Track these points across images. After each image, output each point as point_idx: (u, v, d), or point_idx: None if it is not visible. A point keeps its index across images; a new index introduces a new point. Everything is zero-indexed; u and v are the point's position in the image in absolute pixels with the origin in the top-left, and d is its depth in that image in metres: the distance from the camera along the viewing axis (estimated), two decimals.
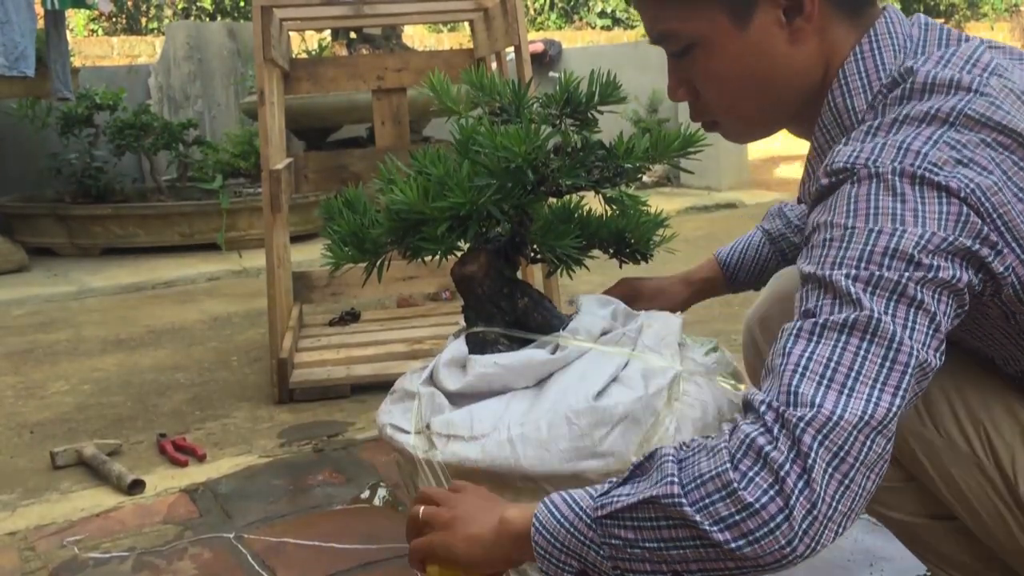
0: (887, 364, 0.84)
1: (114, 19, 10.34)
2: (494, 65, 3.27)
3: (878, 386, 0.84)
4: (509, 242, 1.39)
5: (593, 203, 1.44)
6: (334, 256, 1.37)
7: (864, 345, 0.85)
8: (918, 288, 0.87)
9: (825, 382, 0.84)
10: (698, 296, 1.59)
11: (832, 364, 0.84)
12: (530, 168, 1.25)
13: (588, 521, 0.90)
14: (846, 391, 0.83)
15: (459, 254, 1.37)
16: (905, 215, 0.89)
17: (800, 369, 0.85)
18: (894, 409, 0.84)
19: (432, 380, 1.37)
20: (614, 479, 0.93)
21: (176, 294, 4.40)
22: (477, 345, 1.35)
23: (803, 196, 1.12)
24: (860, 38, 1.04)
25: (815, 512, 0.80)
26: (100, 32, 10.23)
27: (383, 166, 1.38)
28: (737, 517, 0.81)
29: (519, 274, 1.45)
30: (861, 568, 1.54)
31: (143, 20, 10.45)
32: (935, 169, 0.90)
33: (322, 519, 1.84)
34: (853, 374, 0.84)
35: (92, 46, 8.80)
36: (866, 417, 0.82)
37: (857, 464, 0.82)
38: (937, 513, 1.18)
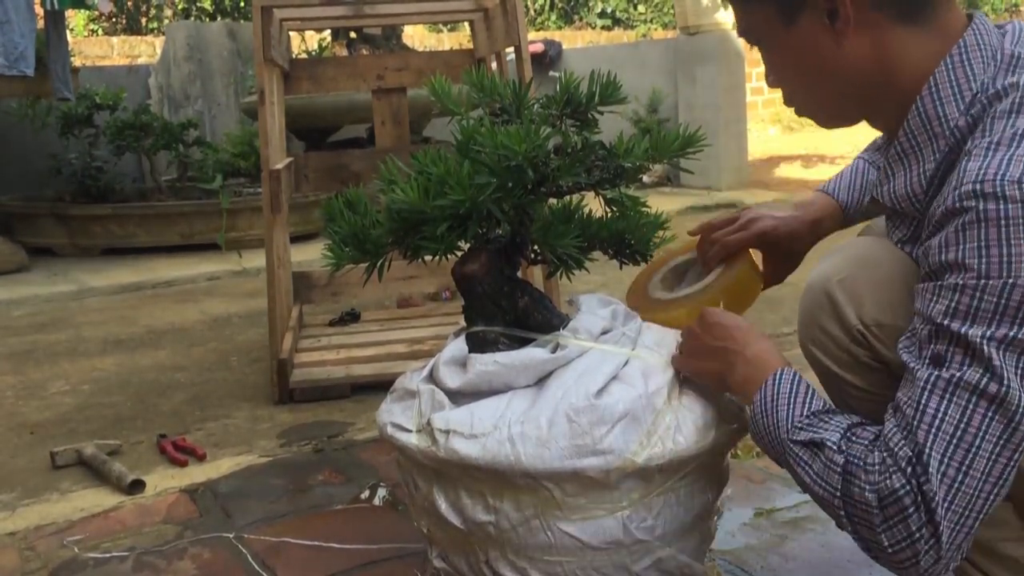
0: (1007, 433, 0.94)
1: (114, 19, 10.34)
2: (494, 65, 3.27)
3: (998, 450, 0.95)
4: (510, 242, 1.39)
5: (593, 204, 1.45)
6: (335, 256, 1.37)
7: (991, 411, 0.94)
8: None
9: (954, 444, 0.95)
10: (817, 240, 1.53)
11: (961, 427, 0.95)
12: (530, 167, 1.26)
13: (786, 429, 1.08)
14: (971, 454, 0.95)
15: (459, 254, 1.37)
16: None
17: (933, 431, 0.96)
18: (1010, 468, 0.96)
19: (432, 378, 1.38)
20: (831, 406, 1.09)
21: (176, 294, 4.40)
22: (477, 344, 1.36)
23: (879, 195, 1.18)
24: (945, 46, 1.09)
25: (939, 562, 0.97)
26: (100, 32, 10.22)
27: (383, 166, 1.38)
28: (873, 544, 1.00)
29: (519, 275, 1.45)
30: (861, 568, 1.54)
31: (143, 20, 10.45)
32: None
33: (322, 519, 1.85)
34: (980, 439, 0.95)
35: (92, 46, 8.80)
36: (989, 478, 0.95)
37: (979, 517, 0.97)
38: None
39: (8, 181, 5.92)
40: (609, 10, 12.25)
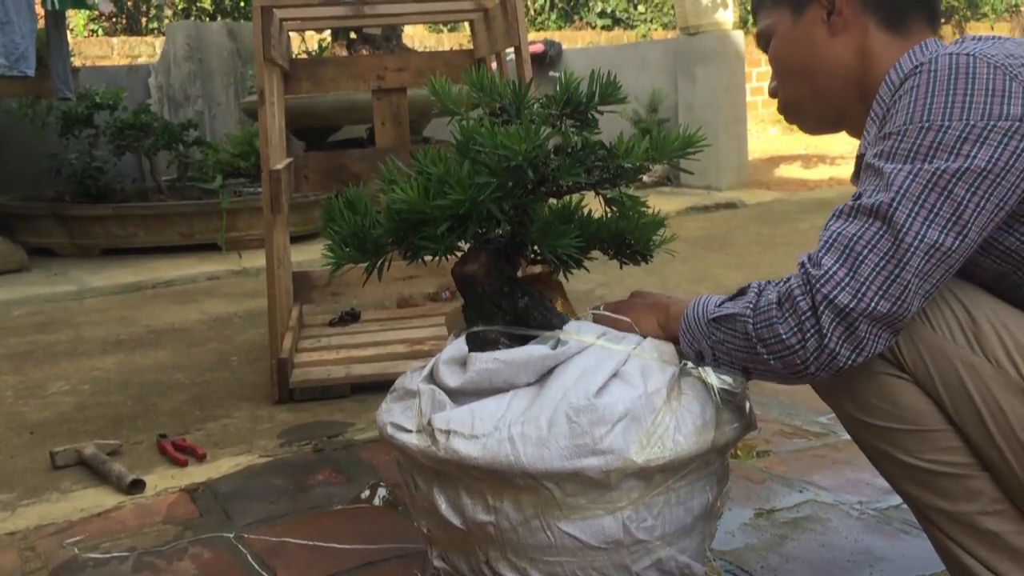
0: (893, 249, 1.07)
1: (114, 19, 10.34)
2: (494, 65, 3.27)
3: (883, 263, 1.08)
4: (509, 242, 1.39)
5: (593, 204, 1.45)
6: (335, 256, 1.37)
7: (883, 230, 1.08)
8: (953, 179, 1.07)
9: (845, 253, 1.09)
10: None
11: (854, 239, 1.09)
12: (530, 167, 1.26)
13: (705, 320, 1.24)
14: (858, 262, 1.08)
15: (459, 254, 1.37)
16: (953, 109, 1.09)
17: (829, 243, 1.11)
18: (892, 282, 1.08)
19: (432, 378, 1.38)
20: (736, 294, 1.22)
21: (176, 294, 4.40)
22: (477, 344, 1.36)
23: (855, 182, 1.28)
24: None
25: (821, 348, 1.10)
26: (100, 32, 10.22)
27: (383, 166, 1.38)
28: (772, 341, 1.13)
29: (519, 275, 1.45)
30: (861, 568, 1.54)
31: (143, 20, 10.44)
32: (987, 55, 1.10)
33: (322, 519, 1.85)
34: (868, 250, 1.08)
35: (92, 46, 8.79)
36: (871, 285, 1.08)
37: (861, 320, 1.08)
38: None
39: (8, 181, 5.92)
40: (609, 10, 12.24)
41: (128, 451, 2.28)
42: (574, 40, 10.50)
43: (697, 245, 4.89)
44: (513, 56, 2.86)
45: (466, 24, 4.27)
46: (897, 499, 1.76)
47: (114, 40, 9.08)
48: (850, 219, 1.11)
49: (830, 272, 1.08)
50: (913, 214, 1.07)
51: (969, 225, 1.08)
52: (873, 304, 1.07)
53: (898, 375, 1.17)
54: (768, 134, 10.35)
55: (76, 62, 6.68)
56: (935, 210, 1.07)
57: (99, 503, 1.97)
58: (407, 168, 1.35)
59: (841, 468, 1.94)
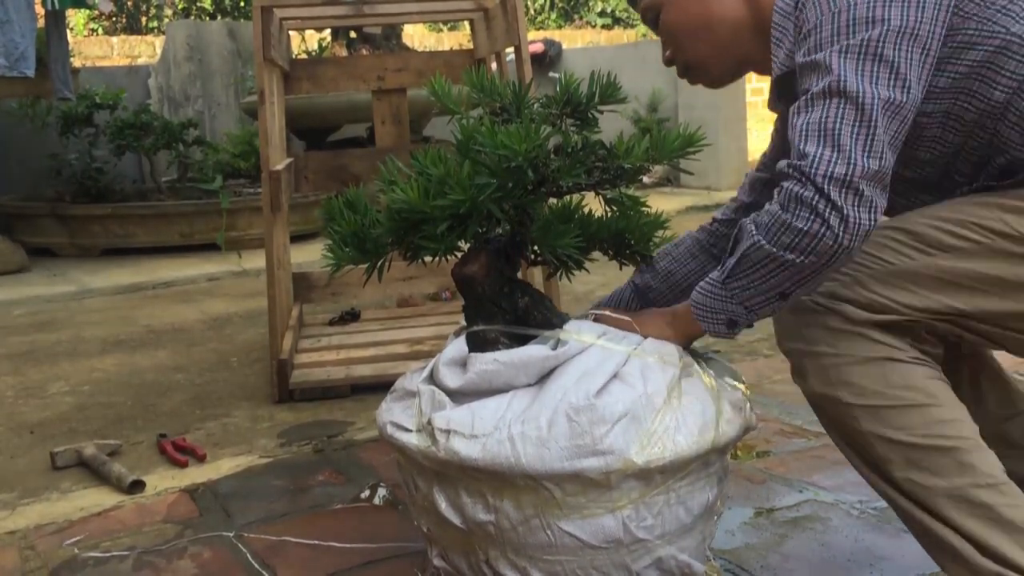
0: (859, 114, 1.15)
1: (114, 19, 10.34)
2: (494, 65, 3.27)
3: (857, 128, 1.15)
4: (509, 242, 1.39)
5: (593, 204, 1.45)
6: (335, 257, 1.37)
7: (842, 103, 1.15)
8: (879, 43, 1.16)
9: (821, 134, 1.16)
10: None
11: (823, 120, 1.16)
12: (530, 167, 1.26)
13: (719, 286, 1.26)
14: (836, 134, 1.15)
15: (459, 254, 1.37)
16: None
17: (803, 134, 1.17)
18: (872, 138, 1.15)
19: (433, 379, 1.38)
20: (731, 249, 1.26)
21: (176, 294, 4.40)
22: (478, 344, 1.36)
23: (774, 69, 1.36)
24: None
25: (844, 219, 1.13)
26: (100, 32, 10.22)
27: (383, 166, 1.38)
28: (797, 241, 1.16)
29: (519, 275, 1.45)
30: (861, 567, 1.54)
31: (143, 20, 10.45)
32: None
33: (322, 519, 1.85)
34: (839, 123, 1.15)
35: (92, 46, 8.80)
36: (857, 146, 1.15)
37: (861, 185, 1.14)
38: None
39: (8, 181, 5.92)
40: (609, 9, 12.25)
41: (128, 451, 2.28)
42: (574, 40, 10.50)
43: None
44: (513, 56, 2.86)
45: (466, 24, 4.27)
46: None
47: (114, 40, 9.08)
48: (810, 109, 1.18)
49: (817, 156, 1.15)
50: (860, 82, 1.15)
51: (908, 78, 1.17)
52: (865, 165, 1.14)
53: (884, 357, 1.21)
54: (768, 134, 10.35)
55: (76, 62, 6.69)
56: (875, 73, 1.16)
57: (99, 503, 1.97)
58: (407, 168, 1.35)
59: (841, 468, 1.94)
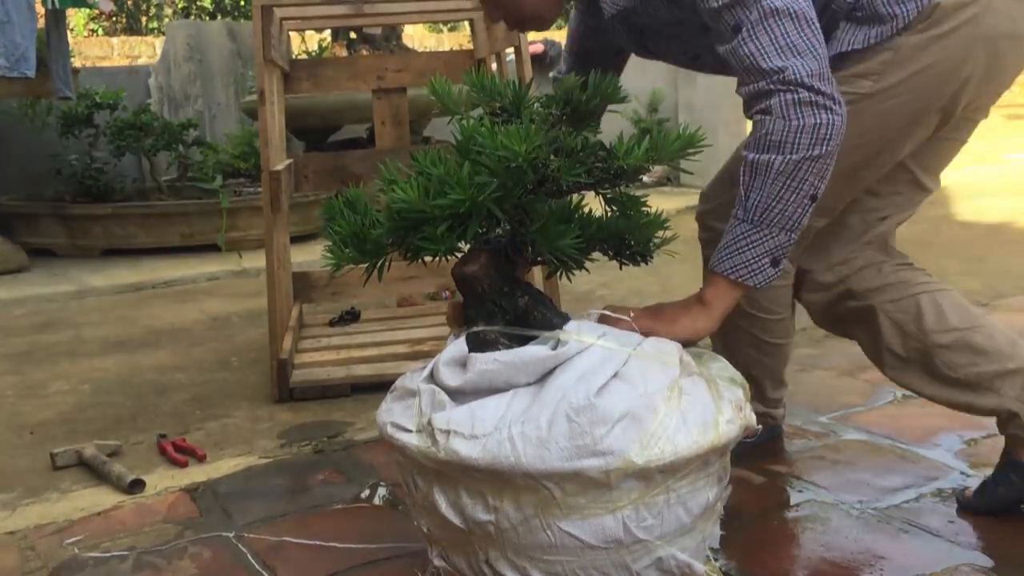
0: (800, 20, 1.35)
1: (114, 19, 10.34)
2: (494, 66, 3.27)
3: (804, 27, 1.35)
4: (509, 242, 1.39)
5: (593, 204, 1.45)
6: (335, 257, 1.37)
7: (781, 17, 1.34)
8: None
9: (777, 46, 1.34)
10: None
11: (773, 37, 1.34)
12: (530, 167, 1.26)
13: (752, 228, 1.38)
14: (790, 43, 1.34)
15: (459, 255, 1.37)
16: None
17: (764, 54, 1.34)
18: (817, 39, 1.37)
19: (433, 379, 1.38)
20: (741, 197, 1.39)
21: (176, 294, 4.40)
22: (478, 344, 1.36)
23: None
24: None
25: (840, 103, 1.36)
26: (100, 32, 10.23)
27: (383, 167, 1.38)
28: (816, 138, 1.33)
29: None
30: (861, 567, 1.54)
31: (143, 20, 10.45)
32: None
33: (322, 519, 1.85)
34: (787, 33, 1.34)
35: (92, 46, 8.80)
36: (809, 42, 1.35)
37: (826, 71, 1.36)
38: None
39: (8, 181, 5.92)
40: None
41: (128, 451, 2.28)
42: None
43: (697, 245, 4.88)
44: (513, 56, 2.86)
45: (466, 24, 4.27)
46: (898, 499, 1.76)
47: (114, 40, 9.09)
48: (753, 34, 1.35)
49: (787, 65, 1.33)
50: None
51: None
52: (822, 53, 1.36)
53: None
54: None
55: (76, 62, 6.68)
56: None
57: (99, 503, 1.97)
58: (407, 168, 1.35)
59: (841, 468, 1.94)
